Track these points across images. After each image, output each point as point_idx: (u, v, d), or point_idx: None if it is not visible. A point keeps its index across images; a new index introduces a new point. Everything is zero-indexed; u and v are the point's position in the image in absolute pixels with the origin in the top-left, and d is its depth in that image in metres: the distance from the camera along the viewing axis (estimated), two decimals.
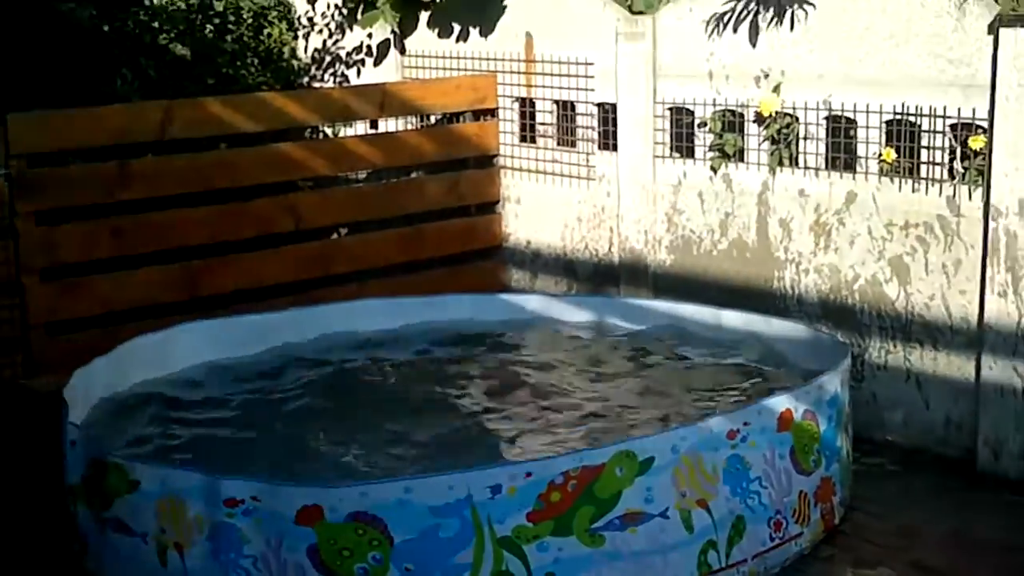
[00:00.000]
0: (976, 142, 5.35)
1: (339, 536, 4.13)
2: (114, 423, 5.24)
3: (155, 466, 4.47)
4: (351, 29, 8.11)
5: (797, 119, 6.06)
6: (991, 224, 5.34)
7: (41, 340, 5.97)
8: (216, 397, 5.60)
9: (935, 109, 5.54)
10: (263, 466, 4.75)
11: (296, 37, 8.34)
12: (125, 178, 6.20)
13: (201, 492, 4.24)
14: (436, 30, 7.77)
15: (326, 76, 8.29)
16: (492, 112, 7.49)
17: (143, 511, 4.36)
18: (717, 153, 6.39)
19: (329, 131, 7.61)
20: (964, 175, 5.47)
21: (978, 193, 5.42)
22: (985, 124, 5.35)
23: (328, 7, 8.25)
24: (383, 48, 8.05)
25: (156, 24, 7.72)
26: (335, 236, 7.27)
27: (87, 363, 5.36)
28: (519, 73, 7.38)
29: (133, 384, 5.60)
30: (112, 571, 4.53)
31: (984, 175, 5.37)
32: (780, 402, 4.74)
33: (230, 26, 7.97)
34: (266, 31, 8.11)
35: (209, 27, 7.92)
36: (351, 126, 7.55)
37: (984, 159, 5.37)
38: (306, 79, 8.28)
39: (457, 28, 7.65)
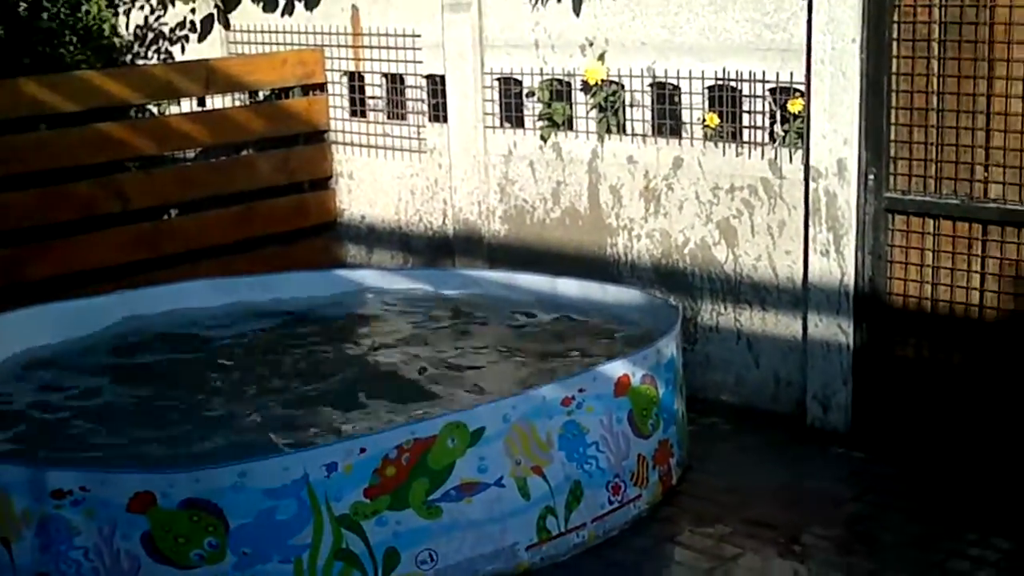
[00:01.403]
0: (795, 105, 5.48)
1: (173, 523, 4.05)
2: None
3: None
4: (173, 4, 7.93)
5: (623, 87, 6.12)
6: (811, 185, 5.47)
7: None
8: (37, 387, 5.44)
9: (755, 74, 5.65)
10: (98, 454, 4.63)
11: (116, 14, 8.12)
12: None
13: (26, 485, 4.11)
14: (261, 4, 7.64)
15: (149, 53, 8.10)
16: (321, 87, 7.41)
17: None
18: (546, 122, 6.42)
19: (155, 109, 7.43)
20: (784, 138, 5.59)
21: (798, 155, 5.55)
22: (802, 88, 5.47)
23: None
24: (207, 23, 7.88)
25: None
26: (165, 217, 7.12)
27: None
28: (347, 47, 7.30)
29: None
30: None
31: (803, 138, 5.50)
32: (617, 367, 4.79)
33: (45, 3, 7.72)
34: (84, 8, 7.88)
35: (23, 4, 7.66)
36: (177, 104, 7.39)
37: (803, 122, 5.49)
38: (128, 56, 8.08)
39: (282, 2, 7.53)
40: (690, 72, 5.84)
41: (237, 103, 7.53)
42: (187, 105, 7.39)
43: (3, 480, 4.15)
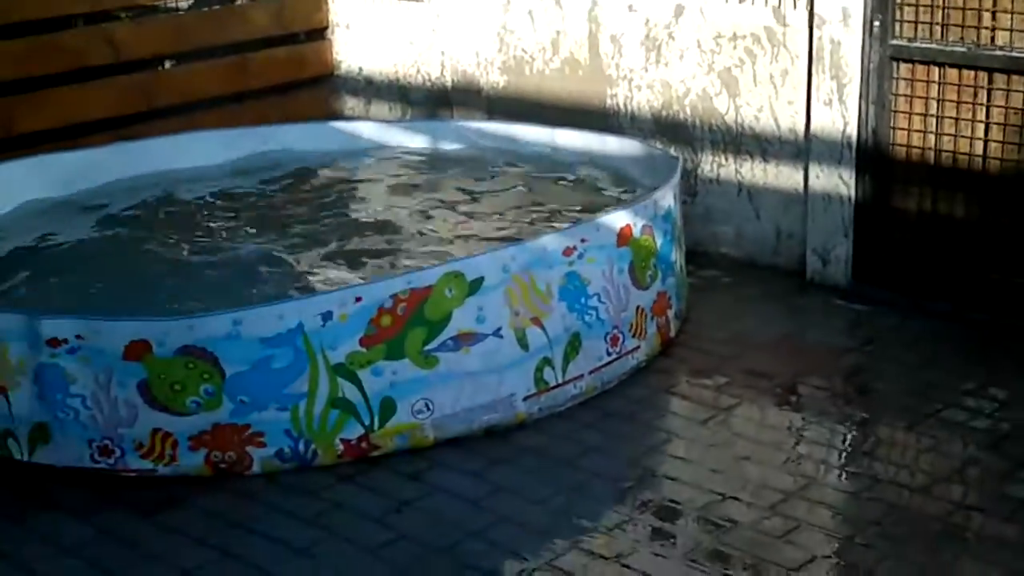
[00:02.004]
0: None
1: (169, 370, 4.05)
2: None
3: None
4: None
5: None
6: (815, 33, 5.36)
7: None
8: (33, 238, 5.40)
9: None
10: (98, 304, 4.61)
11: None
12: None
13: (22, 333, 4.10)
14: None
15: None
16: None
17: None
18: None
19: None
20: None
21: (803, 2, 5.42)
22: None
23: None
24: None
25: None
26: (158, 68, 6.99)
27: None
28: None
29: None
30: None
31: None
32: (619, 218, 4.74)
33: None
34: None
35: None
36: None
37: None
38: None
39: None
40: None
41: None
42: None
43: None
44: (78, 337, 4.07)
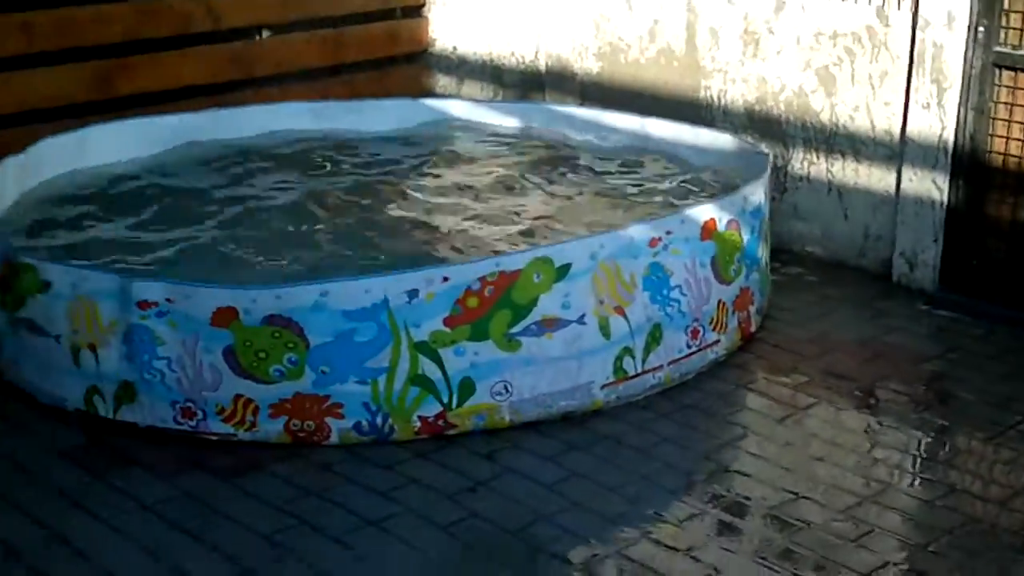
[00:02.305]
0: None
1: (255, 338, 4.11)
2: (27, 223, 5.13)
3: (67, 267, 4.39)
4: None
5: None
6: (918, 35, 5.30)
7: None
8: (133, 197, 5.50)
9: None
10: (190, 268, 4.68)
11: None
12: None
13: (114, 294, 4.19)
14: None
15: None
16: None
17: (56, 312, 4.31)
18: None
19: None
20: None
21: (907, 3, 5.36)
22: None
23: None
24: None
25: None
26: (256, 38, 7.07)
27: None
28: None
29: (46, 183, 5.48)
30: (27, 371, 4.50)
31: None
32: (704, 211, 4.73)
33: None
34: None
35: None
36: None
37: None
38: None
39: None
40: None
41: None
42: None
43: (91, 288, 4.23)
44: (168, 300, 4.15)
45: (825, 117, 5.72)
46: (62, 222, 5.19)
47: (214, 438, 4.22)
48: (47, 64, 6.10)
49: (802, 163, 5.84)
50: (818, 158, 5.78)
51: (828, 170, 5.76)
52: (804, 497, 3.98)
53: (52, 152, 5.55)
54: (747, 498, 3.98)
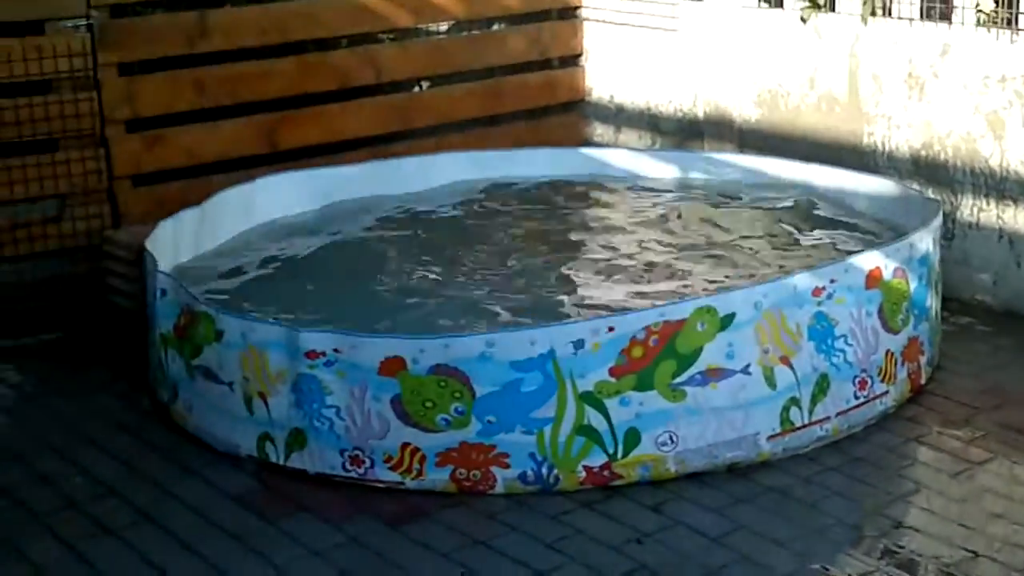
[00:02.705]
0: None
1: (422, 388, 4.16)
2: (202, 273, 5.28)
3: (238, 317, 4.51)
4: None
5: None
6: None
7: (126, 191, 6.01)
8: (301, 248, 5.63)
9: None
10: (354, 317, 4.76)
11: None
12: (204, 29, 6.16)
13: (281, 344, 4.29)
14: None
15: None
16: None
17: (229, 360, 4.42)
18: (807, 3, 6.19)
19: None
20: None
21: None
22: None
23: None
24: None
25: None
26: (416, 89, 7.19)
27: (173, 214, 5.40)
28: None
29: (221, 235, 5.65)
30: (201, 418, 4.62)
31: None
32: (869, 259, 4.66)
33: None
34: None
35: None
36: None
37: None
38: None
39: None
40: None
41: None
42: None
43: (260, 338, 4.33)
44: (335, 351, 4.22)
45: (995, 162, 5.59)
46: (238, 272, 5.33)
47: (382, 486, 4.27)
48: (217, 119, 6.29)
49: (971, 209, 5.71)
50: (988, 204, 5.65)
51: (999, 216, 5.61)
52: (981, 555, 3.86)
53: (226, 204, 5.71)
54: (920, 555, 3.88)
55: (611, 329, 4.16)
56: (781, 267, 5.18)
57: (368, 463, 4.26)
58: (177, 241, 5.35)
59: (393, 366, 4.16)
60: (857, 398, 4.61)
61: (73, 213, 5.86)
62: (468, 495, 4.23)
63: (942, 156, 5.78)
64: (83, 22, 5.79)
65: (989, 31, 5.52)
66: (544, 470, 4.22)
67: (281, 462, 4.39)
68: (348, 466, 4.29)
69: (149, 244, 5.02)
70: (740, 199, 6.02)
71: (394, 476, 4.25)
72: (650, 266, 5.34)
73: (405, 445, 4.21)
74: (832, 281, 4.53)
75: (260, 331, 4.37)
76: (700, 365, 4.25)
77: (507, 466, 4.21)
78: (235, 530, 4.11)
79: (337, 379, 4.24)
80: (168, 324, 4.70)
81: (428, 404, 4.16)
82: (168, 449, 4.65)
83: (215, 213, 5.65)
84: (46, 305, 5.80)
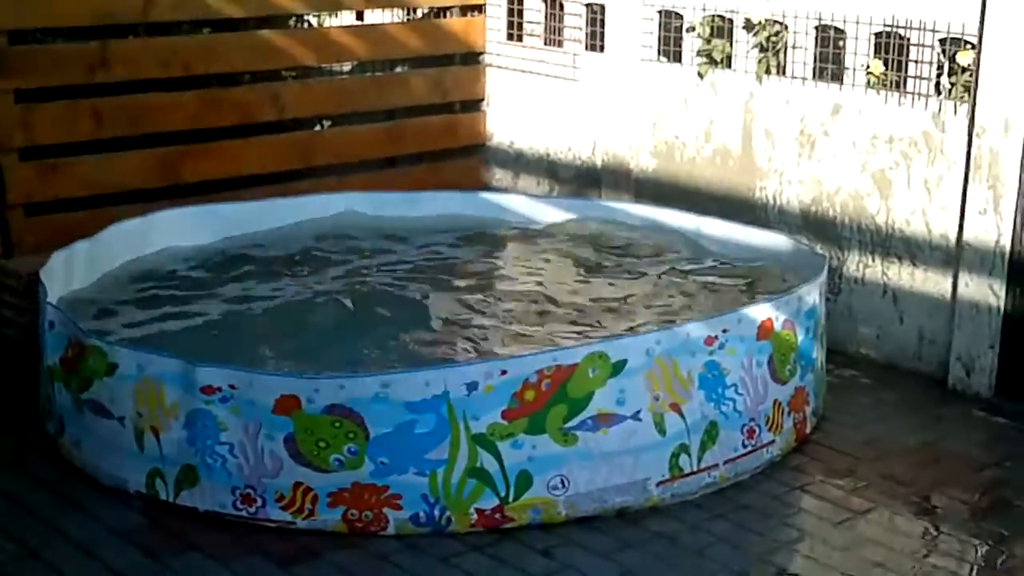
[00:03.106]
0: (964, 57, 5.34)
1: (316, 427, 4.15)
2: (93, 306, 5.22)
3: (134, 350, 4.47)
4: None
5: (786, 27, 6.01)
6: (975, 141, 5.34)
7: (20, 220, 5.93)
8: (194, 284, 5.59)
9: (924, 23, 5.50)
10: (242, 354, 4.74)
11: None
12: (106, 59, 6.12)
13: (177, 378, 4.25)
14: None
15: None
16: (479, 8, 7.41)
17: (121, 394, 4.38)
18: (705, 59, 6.34)
19: (314, 20, 7.50)
20: (951, 91, 5.45)
21: (963, 109, 5.41)
22: (974, 39, 5.32)
23: None
24: None
25: None
26: (317, 128, 7.21)
27: (67, 245, 5.34)
28: None
29: (113, 268, 5.59)
30: (89, 453, 4.56)
31: (971, 91, 5.35)
32: (761, 311, 4.77)
33: None
34: None
35: None
36: (336, 16, 7.45)
37: (971, 75, 5.35)
38: None
39: None
40: (857, 16, 5.72)
41: (395, 19, 7.56)
42: (347, 18, 7.45)
43: (157, 372, 4.30)
44: (231, 387, 4.20)
45: (881, 220, 5.76)
46: (128, 305, 5.28)
47: (272, 525, 4.25)
48: (117, 150, 6.23)
49: (857, 265, 5.87)
50: (873, 260, 5.81)
51: (884, 273, 5.78)
52: None
53: (120, 237, 5.65)
54: None
55: (504, 372, 4.20)
56: (673, 318, 5.25)
57: (259, 502, 4.24)
58: (70, 272, 5.28)
59: (288, 404, 4.16)
60: (745, 446, 4.71)
61: None
62: (360, 536, 4.23)
63: (831, 212, 5.94)
64: None
65: (879, 93, 5.70)
66: (436, 512, 4.23)
67: (171, 499, 4.35)
68: (239, 504, 4.26)
69: (43, 274, 4.95)
70: (636, 251, 6.10)
71: (285, 516, 4.24)
72: (543, 312, 5.39)
73: (297, 484, 4.20)
74: (724, 331, 4.62)
75: (157, 364, 4.33)
76: (591, 410, 4.31)
77: (399, 507, 4.22)
78: (122, 568, 4.05)
79: (232, 415, 4.22)
80: (55, 356, 4.64)
81: (322, 444, 4.16)
82: (55, 484, 4.58)
83: (109, 245, 5.59)
84: None
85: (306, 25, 7.41)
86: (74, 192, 6.11)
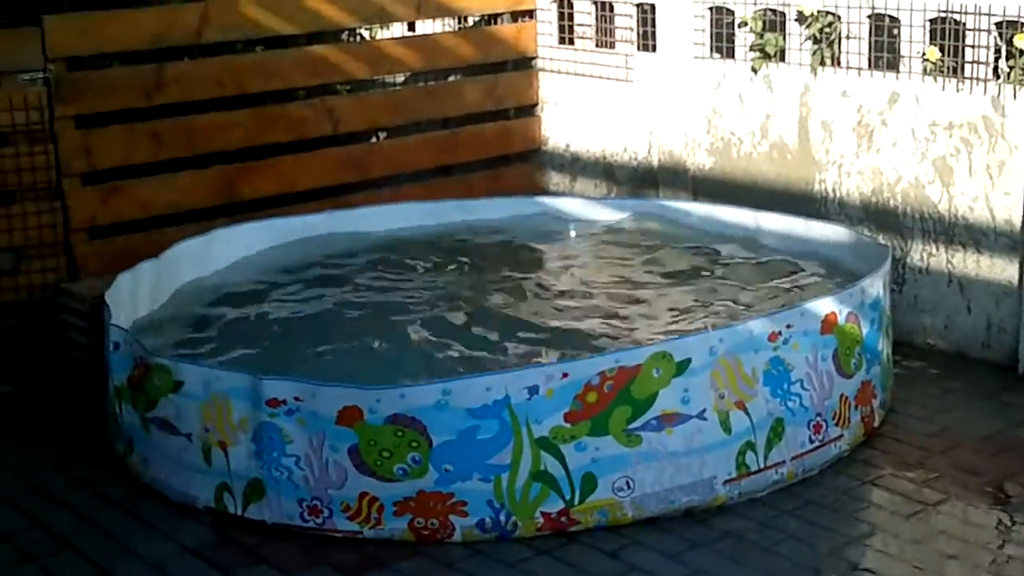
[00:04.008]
0: (1021, 40, 5.25)
1: (379, 437, 4.17)
2: (159, 325, 5.28)
3: (200, 366, 4.51)
4: None
5: (839, 17, 5.95)
6: None
7: (83, 244, 6.01)
8: (260, 298, 5.63)
9: (980, 7, 5.43)
10: (314, 365, 4.77)
11: None
12: (162, 82, 6.19)
13: (244, 392, 4.29)
14: None
15: None
16: (530, 13, 7.41)
17: (188, 411, 4.42)
18: (758, 53, 6.30)
19: (366, 33, 7.54)
20: (1009, 74, 5.37)
21: (1023, 93, 5.32)
22: None
23: None
24: None
25: None
26: (372, 140, 7.24)
27: (130, 266, 5.40)
28: None
29: (177, 287, 5.64)
30: (158, 470, 4.61)
31: None
32: (824, 305, 4.72)
33: None
34: None
35: None
36: (388, 28, 7.49)
37: None
38: None
39: None
40: (911, 3, 5.65)
41: (446, 28, 7.58)
42: (398, 29, 7.48)
43: (224, 387, 4.33)
44: (296, 399, 4.23)
45: (943, 208, 5.68)
46: (193, 323, 5.33)
47: (340, 536, 4.26)
48: (174, 170, 6.30)
49: (921, 255, 5.79)
50: (937, 249, 5.73)
51: (948, 261, 5.70)
52: None
53: (184, 255, 5.71)
54: None
55: (565, 375, 4.19)
56: (737, 312, 5.22)
57: (326, 513, 4.26)
58: (136, 292, 5.34)
59: (351, 415, 4.17)
60: (812, 442, 4.66)
61: (29, 266, 5.86)
62: (426, 544, 4.24)
63: (891, 202, 5.87)
64: (40, 75, 5.81)
65: (936, 80, 5.62)
66: (502, 517, 4.23)
67: (239, 513, 4.38)
68: (306, 516, 4.28)
69: (108, 296, 5.01)
70: (696, 248, 6.06)
71: (352, 526, 4.25)
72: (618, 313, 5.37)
73: (363, 494, 4.22)
74: (788, 326, 4.58)
75: (224, 379, 4.36)
76: (656, 410, 4.28)
77: (465, 514, 4.22)
78: None
79: (297, 428, 4.24)
80: (122, 376, 4.70)
81: (385, 454, 4.17)
82: (126, 502, 4.62)
83: (173, 264, 5.65)
84: (0, 358, 5.78)
85: (358, 38, 7.46)
86: (134, 214, 6.18)
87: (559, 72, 7.39)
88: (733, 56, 6.46)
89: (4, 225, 5.78)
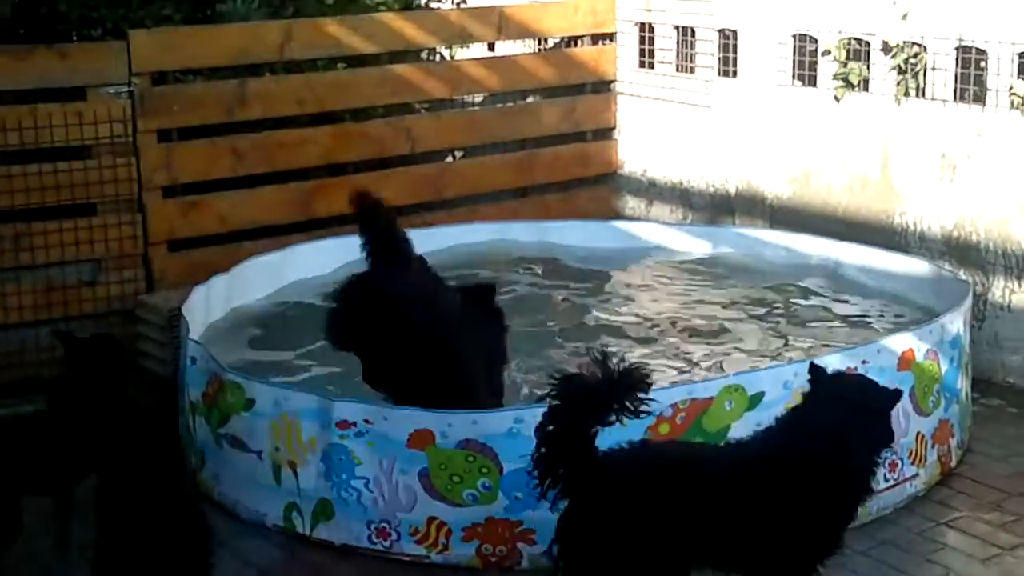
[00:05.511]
0: None
1: (450, 462, 4.16)
2: (234, 340, 5.31)
3: (271, 386, 4.53)
4: None
5: (925, 48, 5.88)
6: None
7: (162, 257, 6.07)
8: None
9: None
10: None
11: None
12: (244, 98, 6.24)
13: (314, 413, 4.30)
14: None
15: None
16: (610, 36, 7.39)
17: (259, 429, 4.44)
18: (841, 82, 6.23)
19: (446, 53, 7.56)
20: None
21: None
22: None
23: None
24: None
25: None
26: (449, 159, 7.26)
27: (206, 280, 5.44)
28: None
29: (253, 301, 5.68)
30: (228, 487, 4.63)
31: None
32: (901, 341, 4.65)
33: None
34: None
35: None
36: (468, 48, 7.50)
37: None
38: (424, 0, 8.22)
39: None
40: (999, 36, 5.56)
41: (525, 50, 7.58)
42: (477, 50, 7.49)
43: (294, 407, 4.35)
44: (366, 421, 4.23)
45: None
46: (266, 340, 5.36)
47: (407, 559, 4.26)
48: (253, 186, 6.35)
49: (1003, 291, 5.69)
50: (1020, 286, 5.63)
51: None
52: None
53: (256, 271, 5.75)
54: None
55: None
56: (810, 347, 5.16)
57: (394, 536, 4.26)
58: (208, 306, 5.38)
59: (422, 439, 4.17)
60: (887, 480, 4.58)
61: (108, 277, 5.93)
62: (493, 570, 4.21)
63: (974, 237, 5.77)
64: (124, 89, 5.88)
65: (1023, 115, 5.53)
66: None
67: (308, 533, 4.39)
68: (374, 538, 4.28)
69: (185, 310, 5.05)
70: (773, 278, 6.00)
71: (419, 550, 4.25)
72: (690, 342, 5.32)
73: (431, 519, 4.21)
74: (864, 362, 4.51)
75: (294, 400, 4.38)
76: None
77: (533, 542, 4.19)
78: None
79: (367, 450, 4.24)
80: (197, 392, 4.73)
81: (455, 478, 4.16)
82: None
83: (246, 279, 5.69)
84: None
85: (438, 58, 7.48)
86: (212, 228, 6.24)
87: (638, 96, 7.36)
88: (815, 84, 6.40)
89: (85, 236, 5.85)
